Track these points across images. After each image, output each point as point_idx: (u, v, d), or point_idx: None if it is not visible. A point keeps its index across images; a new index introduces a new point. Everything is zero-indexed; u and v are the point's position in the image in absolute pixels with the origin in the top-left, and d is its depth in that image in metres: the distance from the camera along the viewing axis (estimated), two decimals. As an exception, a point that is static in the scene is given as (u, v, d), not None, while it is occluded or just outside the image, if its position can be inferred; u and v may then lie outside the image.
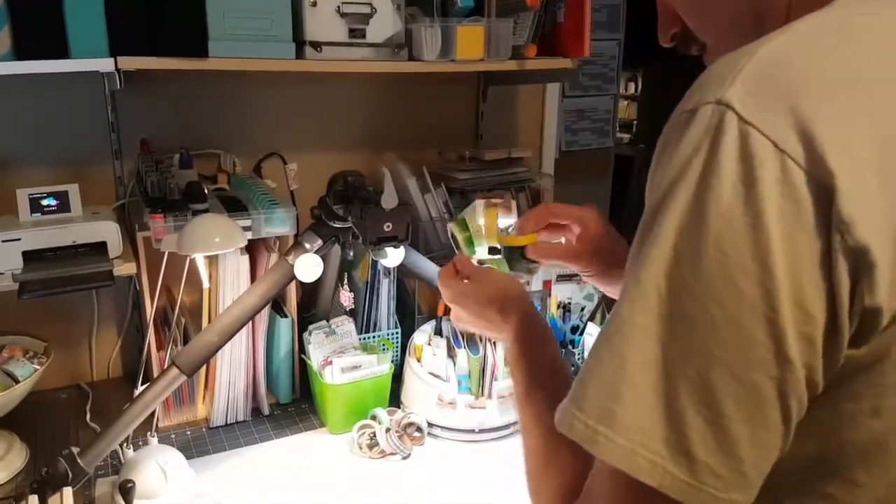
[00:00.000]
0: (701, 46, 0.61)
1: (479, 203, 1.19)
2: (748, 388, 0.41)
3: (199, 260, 1.18)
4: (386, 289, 1.53)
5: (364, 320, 1.54)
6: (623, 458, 0.43)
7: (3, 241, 1.16)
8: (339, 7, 1.29)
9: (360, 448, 1.30)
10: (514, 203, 1.22)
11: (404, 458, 1.28)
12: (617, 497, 0.46)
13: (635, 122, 4.70)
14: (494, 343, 1.39)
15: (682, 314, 0.42)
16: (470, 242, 1.06)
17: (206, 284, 1.26)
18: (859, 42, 0.45)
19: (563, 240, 0.97)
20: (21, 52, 1.08)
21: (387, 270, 1.50)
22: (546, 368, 0.73)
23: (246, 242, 1.20)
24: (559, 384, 0.70)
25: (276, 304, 1.46)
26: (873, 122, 0.41)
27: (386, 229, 1.11)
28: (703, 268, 0.42)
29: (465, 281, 0.90)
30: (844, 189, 0.39)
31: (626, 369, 0.44)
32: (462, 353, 1.39)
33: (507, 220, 1.14)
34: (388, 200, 1.08)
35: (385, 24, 1.34)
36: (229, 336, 1.12)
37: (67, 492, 1.01)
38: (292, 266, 1.17)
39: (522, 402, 0.71)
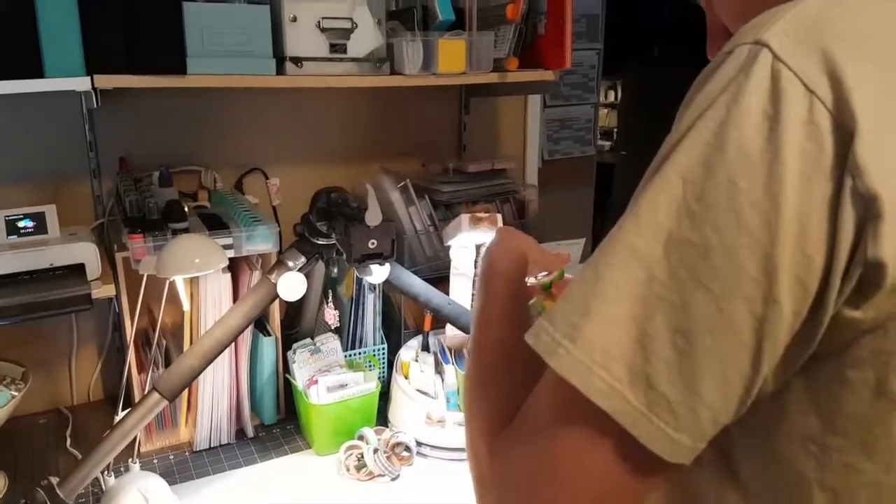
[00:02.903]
0: None
1: (465, 217, 1.18)
2: (727, 321, 0.40)
3: (179, 282, 1.15)
4: (371, 304, 1.51)
5: (349, 336, 1.52)
6: (579, 376, 0.42)
7: (-23, 265, 1.13)
8: (319, 22, 1.27)
9: (348, 470, 1.28)
10: (499, 217, 1.21)
11: (393, 479, 1.26)
12: (557, 413, 0.45)
13: (616, 129, 4.73)
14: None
15: (678, 237, 0.41)
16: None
17: (186, 307, 1.23)
18: None
19: None
20: (-6, 71, 1.05)
21: (372, 286, 1.48)
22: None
23: (227, 262, 1.18)
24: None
25: (259, 322, 1.43)
26: None
27: (371, 246, 1.09)
28: (709, 196, 0.41)
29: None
30: (864, 135, 0.39)
31: (603, 287, 0.43)
32: (450, 369, 1.38)
33: (493, 234, 1.13)
34: (372, 217, 1.07)
35: (366, 39, 1.33)
36: (211, 359, 1.10)
37: (46, 524, 0.99)
38: (275, 285, 1.15)
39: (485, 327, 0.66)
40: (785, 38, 0.42)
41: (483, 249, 0.87)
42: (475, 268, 0.96)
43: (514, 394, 0.50)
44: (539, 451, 0.45)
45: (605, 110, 4.82)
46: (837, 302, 0.41)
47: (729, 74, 0.43)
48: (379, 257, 1.11)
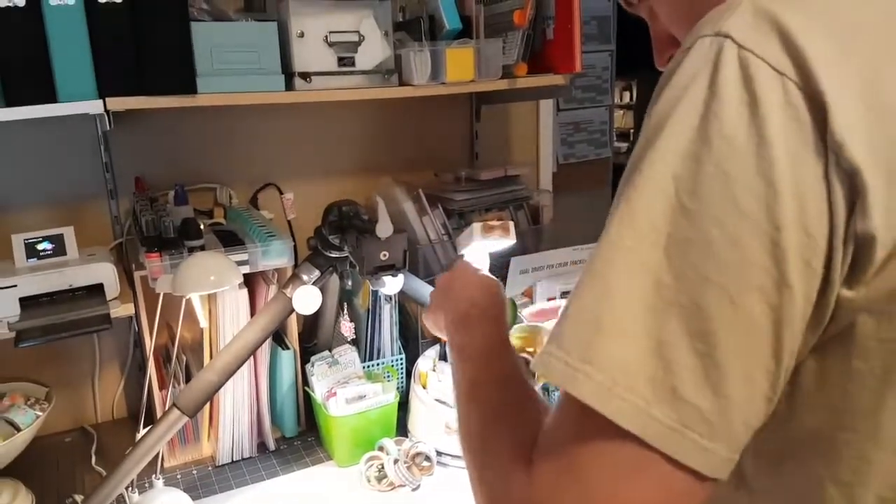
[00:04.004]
0: None
1: (476, 226, 1.17)
2: (743, 315, 0.39)
3: (195, 299, 1.17)
4: (388, 315, 1.52)
5: (367, 348, 1.53)
6: (602, 399, 0.40)
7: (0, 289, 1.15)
8: (326, 37, 1.28)
9: (369, 481, 1.28)
10: (511, 224, 1.20)
11: (414, 489, 1.26)
12: (585, 441, 0.42)
13: (632, 130, 4.70)
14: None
15: (677, 237, 0.41)
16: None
17: (203, 324, 1.24)
18: None
19: None
20: (9, 98, 1.07)
21: (388, 296, 1.49)
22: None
23: (241, 279, 1.18)
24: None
25: (278, 336, 1.44)
26: (856, 45, 0.41)
27: (382, 258, 1.10)
28: (702, 190, 0.40)
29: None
30: (834, 108, 0.39)
31: (611, 299, 0.41)
32: (467, 378, 1.37)
33: (505, 242, 1.12)
34: (383, 229, 1.07)
35: (374, 51, 1.34)
36: (229, 374, 1.11)
37: (72, 542, 1.00)
38: (290, 299, 1.15)
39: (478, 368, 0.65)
40: (744, 25, 0.42)
41: (438, 291, 0.86)
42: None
43: (532, 423, 0.48)
44: (572, 488, 0.42)
45: (621, 111, 4.80)
46: (840, 281, 0.40)
47: (695, 68, 0.42)
48: (391, 269, 1.11)
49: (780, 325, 0.40)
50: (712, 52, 0.42)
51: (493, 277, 0.86)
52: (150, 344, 1.26)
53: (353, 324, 1.41)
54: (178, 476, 1.33)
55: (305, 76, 1.27)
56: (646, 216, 0.42)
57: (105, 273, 1.22)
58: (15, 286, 1.16)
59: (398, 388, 1.45)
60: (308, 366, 1.41)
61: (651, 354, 0.40)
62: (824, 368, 0.43)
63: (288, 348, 1.42)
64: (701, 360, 0.39)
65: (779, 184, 0.39)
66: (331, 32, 1.29)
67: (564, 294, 1.63)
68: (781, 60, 0.40)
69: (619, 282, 0.42)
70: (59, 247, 1.25)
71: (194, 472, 1.35)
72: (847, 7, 0.43)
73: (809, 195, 0.39)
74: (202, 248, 1.26)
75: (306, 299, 1.15)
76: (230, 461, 1.38)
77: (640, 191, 0.43)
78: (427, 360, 1.45)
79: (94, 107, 1.11)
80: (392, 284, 1.16)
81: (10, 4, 1.04)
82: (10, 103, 1.07)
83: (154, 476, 1.21)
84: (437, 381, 1.39)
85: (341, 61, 1.31)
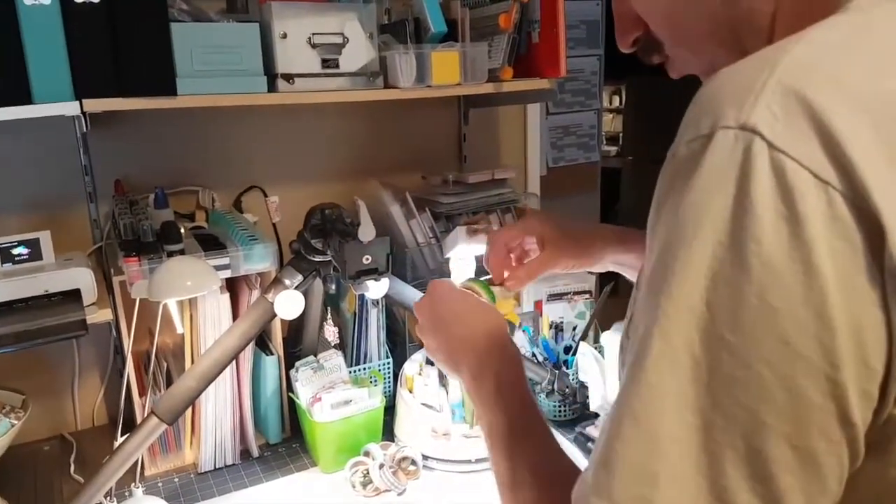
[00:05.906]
0: (663, 55, 0.57)
1: (461, 229, 1.16)
2: (805, 456, 0.37)
3: (172, 305, 1.15)
4: (375, 319, 1.50)
5: (354, 352, 1.51)
6: None
7: (-26, 294, 1.13)
8: (310, 38, 1.27)
9: (354, 487, 1.26)
10: (494, 228, 1.19)
11: (399, 494, 1.24)
12: None
13: (621, 134, 4.70)
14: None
15: (723, 377, 0.37)
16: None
17: (180, 329, 1.22)
18: (891, 52, 0.40)
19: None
20: (-17, 100, 1.05)
21: (374, 300, 1.47)
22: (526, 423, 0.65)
23: (220, 283, 1.16)
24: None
25: (262, 341, 1.42)
26: None
27: (365, 262, 1.08)
28: (744, 323, 0.36)
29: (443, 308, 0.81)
30: (890, 222, 0.35)
31: (660, 447, 0.38)
32: (454, 382, 1.36)
33: None
34: (366, 233, 1.06)
35: (358, 53, 1.32)
36: (209, 380, 1.09)
37: (46, 553, 0.98)
38: (272, 304, 1.14)
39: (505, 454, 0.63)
40: (774, 119, 0.37)
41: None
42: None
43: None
44: None
45: (610, 115, 4.80)
46: (893, 404, 0.38)
47: (720, 167, 0.38)
48: (374, 273, 1.09)
49: (842, 457, 0.38)
50: (738, 152, 0.37)
51: (488, 304, 0.82)
52: (128, 350, 1.24)
53: (336, 328, 1.39)
54: (160, 484, 1.31)
55: (288, 78, 1.26)
56: (682, 349, 0.38)
57: (82, 278, 1.19)
58: (-11, 291, 1.14)
59: (385, 392, 1.43)
60: (292, 371, 1.39)
61: (708, 500, 0.38)
62: (858, 473, 0.40)
63: (272, 354, 1.40)
64: (763, 502, 0.37)
65: (833, 318, 0.35)
66: (314, 34, 1.27)
67: (551, 297, 1.61)
68: (823, 165, 0.36)
69: (665, 426, 0.39)
70: (34, 251, 1.23)
71: (176, 479, 1.33)
72: (888, 83, 0.38)
73: (867, 326, 0.36)
74: (182, 251, 1.24)
75: (288, 304, 1.14)
76: (213, 468, 1.35)
77: (672, 319, 0.39)
78: (413, 365, 1.43)
79: (71, 108, 1.09)
80: (375, 288, 1.14)
81: (-16, 5, 1.02)
82: (-18, 105, 1.05)
83: (133, 484, 1.19)
84: (423, 386, 1.37)
85: (325, 63, 1.30)
